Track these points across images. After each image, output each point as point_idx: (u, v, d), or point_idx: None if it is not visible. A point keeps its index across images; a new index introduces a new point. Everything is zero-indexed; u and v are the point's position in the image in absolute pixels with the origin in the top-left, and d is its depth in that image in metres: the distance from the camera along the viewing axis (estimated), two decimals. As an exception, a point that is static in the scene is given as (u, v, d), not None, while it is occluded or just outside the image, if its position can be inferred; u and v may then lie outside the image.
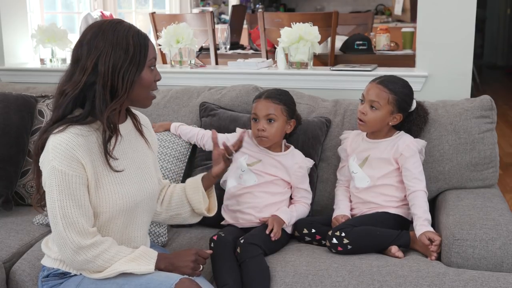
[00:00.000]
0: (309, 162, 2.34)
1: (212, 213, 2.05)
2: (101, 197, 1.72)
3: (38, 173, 1.74)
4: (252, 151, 2.30)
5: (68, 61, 3.33)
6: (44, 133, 1.71)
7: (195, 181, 2.00)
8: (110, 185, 1.73)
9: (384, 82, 2.24)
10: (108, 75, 1.66)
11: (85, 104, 1.70)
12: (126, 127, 1.83)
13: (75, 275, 1.78)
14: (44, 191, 1.72)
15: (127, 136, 1.82)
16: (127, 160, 1.80)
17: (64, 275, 1.79)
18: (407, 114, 2.28)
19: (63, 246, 1.68)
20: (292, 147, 2.34)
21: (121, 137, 1.76)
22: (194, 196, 1.98)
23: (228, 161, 2.02)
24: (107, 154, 1.71)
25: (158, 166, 2.00)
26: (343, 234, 2.05)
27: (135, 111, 1.92)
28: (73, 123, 1.68)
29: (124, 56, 1.68)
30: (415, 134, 2.31)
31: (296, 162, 2.29)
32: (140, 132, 1.88)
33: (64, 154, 1.64)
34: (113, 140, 1.72)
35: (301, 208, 2.28)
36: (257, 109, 2.26)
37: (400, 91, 2.23)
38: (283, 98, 2.27)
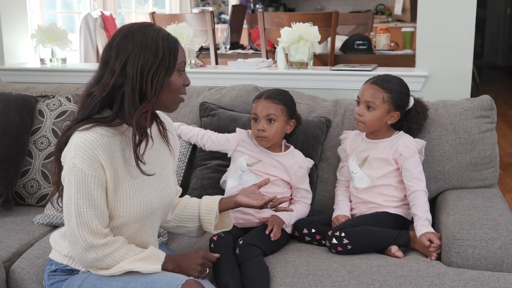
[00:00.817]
0: (309, 162, 2.34)
1: (220, 230, 2.02)
2: (119, 201, 1.71)
3: (59, 169, 1.73)
4: (252, 151, 2.30)
5: (68, 61, 3.37)
6: (68, 129, 1.70)
7: (212, 201, 1.98)
8: (129, 190, 1.72)
9: (378, 81, 2.24)
10: (137, 78, 1.64)
11: (113, 106, 1.68)
12: (152, 131, 1.80)
13: (82, 272, 1.78)
14: (62, 187, 1.72)
15: (153, 141, 1.80)
16: (149, 166, 1.78)
17: (72, 272, 1.79)
18: (405, 111, 2.28)
19: (74, 243, 1.68)
20: (292, 147, 2.34)
21: (152, 141, 1.74)
22: (207, 217, 1.97)
23: (264, 206, 1.94)
24: (137, 158, 1.69)
25: (175, 172, 1.99)
26: (343, 234, 2.05)
27: (160, 112, 1.88)
28: (99, 123, 1.68)
29: (153, 58, 1.66)
30: (416, 131, 2.31)
31: (296, 162, 2.29)
32: (166, 138, 1.86)
33: (86, 153, 1.64)
34: (143, 144, 1.71)
35: (301, 208, 2.27)
36: (257, 109, 2.26)
37: (395, 89, 2.23)
38: (283, 98, 2.27)
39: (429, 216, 2.12)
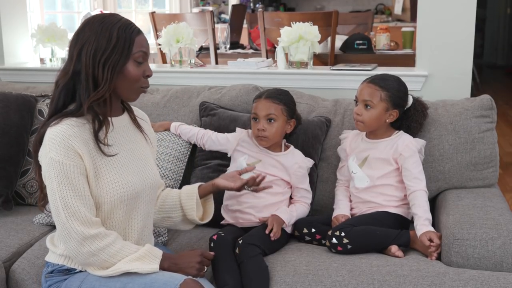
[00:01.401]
0: (309, 162, 2.33)
1: (206, 220, 2.05)
2: (102, 187, 1.72)
3: (39, 170, 1.74)
4: (252, 151, 2.30)
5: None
6: (41, 128, 1.72)
7: (191, 187, 2.02)
8: (109, 174, 1.74)
9: (375, 80, 2.24)
10: (90, 64, 1.68)
11: (77, 96, 1.72)
12: (122, 120, 1.84)
13: (80, 271, 1.78)
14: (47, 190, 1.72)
15: (123, 128, 1.84)
16: (126, 151, 1.81)
17: (69, 271, 1.79)
18: (404, 110, 2.28)
19: (68, 238, 1.68)
20: (292, 147, 2.34)
21: (112, 126, 1.76)
22: (188, 202, 1.99)
23: (241, 188, 2.02)
24: (97, 141, 1.72)
25: (155, 161, 2.01)
26: (343, 234, 2.05)
27: (134, 107, 1.94)
28: (68, 115, 1.70)
29: (106, 45, 1.69)
30: (415, 130, 2.30)
31: (296, 162, 2.29)
32: (138, 126, 1.89)
33: (60, 145, 1.66)
34: (103, 129, 1.73)
35: (301, 208, 2.27)
36: (257, 109, 2.26)
37: (392, 87, 2.23)
38: (283, 98, 2.27)
39: (429, 216, 2.12)
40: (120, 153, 1.79)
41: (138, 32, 1.75)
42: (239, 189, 2.01)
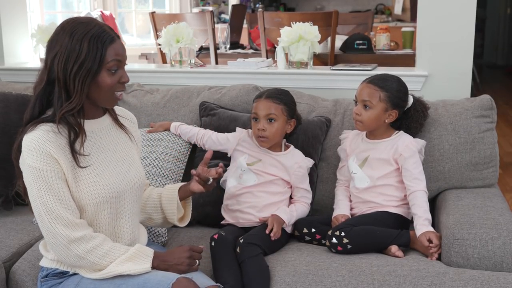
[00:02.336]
0: (309, 162, 2.33)
1: (184, 223, 2.04)
2: (82, 189, 1.72)
3: (21, 176, 1.75)
4: (252, 151, 2.30)
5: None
6: (19, 135, 1.73)
7: (172, 191, 2.00)
8: (89, 177, 1.74)
9: (374, 80, 2.24)
10: (61, 74, 1.68)
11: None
12: (102, 121, 1.84)
13: (74, 274, 1.78)
14: None
15: (105, 130, 1.83)
16: (107, 152, 1.80)
17: (63, 275, 1.79)
18: (403, 110, 2.28)
19: (54, 243, 1.68)
20: (292, 146, 2.34)
21: (85, 136, 1.75)
22: (168, 207, 1.99)
23: (207, 186, 1.98)
24: (73, 152, 1.71)
25: (140, 159, 2.01)
26: (342, 234, 2.05)
27: (120, 107, 1.95)
28: (43, 121, 1.71)
29: (76, 56, 1.67)
30: (415, 130, 2.30)
31: (296, 161, 2.29)
32: (120, 125, 1.89)
33: (36, 151, 1.66)
34: (79, 140, 1.73)
35: (301, 207, 2.27)
36: (257, 109, 2.26)
37: (391, 87, 2.23)
38: (283, 98, 2.27)
39: (429, 216, 2.12)
40: (100, 155, 1.78)
41: (111, 40, 1.72)
42: (208, 189, 1.98)
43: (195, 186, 1.97)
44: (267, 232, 2.10)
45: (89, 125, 1.79)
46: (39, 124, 1.70)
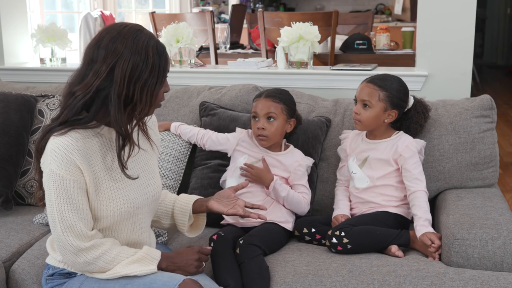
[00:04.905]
0: (309, 161, 2.34)
1: (194, 234, 2.03)
2: (102, 202, 1.70)
3: (40, 173, 1.72)
4: (252, 151, 2.30)
5: (68, 60, 3.36)
6: (47, 132, 1.67)
7: (186, 203, 1.98)
8: (110, 190, 1.71)
9: (374, 80, 2.25)
10: (124, 84, 1.60)
11: (90, 108, 1.65)
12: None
13: (80, 275, 1.78)
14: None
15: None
16: (132, 167, 1.77)
17: (70, 275, 1.79)
18: (404, 111, 2.28)
19: (63, 249, 1.68)
20: (291, 146, 2.34)
21: (138, 148, 1.73)
22: (180, 217, 1.98)
23: (231, 210, 1.94)
24: (121, 164, 1.69)
25: (157, 164, 1.99)
26: (342, 234, 2.05)
27: None
28: (75, 126, 1.65)
29: (142, 66, 1.61)
30: (415, 131, 2.30)
31: (296, 160, 2.29)
32: (146, 134, 1.83)
33: (61, 158, 1.62)
34: (127, 149, 1.69)
35: (298, 194, 2.25)
36: (257, 108, 2.26)
37: (391, 87, 2.23)
38: (283, 97, 2.27)
39: (429, 217, 2.12)
40: (134, 171, 1.76)
41: (166, 50, 1.69)
42: (231, 215, 1.96)
43: (215, 206, 1.94)
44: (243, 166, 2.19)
45: (113, 133, 1.72)
46: (70, 128, 1.64)
